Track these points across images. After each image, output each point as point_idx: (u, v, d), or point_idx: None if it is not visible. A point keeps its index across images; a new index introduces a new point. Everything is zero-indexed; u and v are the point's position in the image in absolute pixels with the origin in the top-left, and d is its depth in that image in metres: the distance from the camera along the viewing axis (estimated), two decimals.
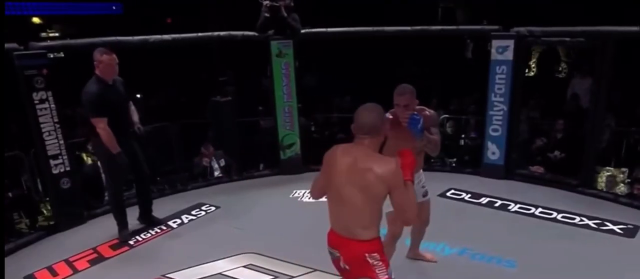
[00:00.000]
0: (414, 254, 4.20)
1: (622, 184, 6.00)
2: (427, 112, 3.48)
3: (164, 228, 5.03)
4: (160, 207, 5.37)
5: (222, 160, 6.45)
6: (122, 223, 4.84)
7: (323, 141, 7.53)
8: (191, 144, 6.84)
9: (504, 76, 5.99)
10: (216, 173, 6.41)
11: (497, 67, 6.02)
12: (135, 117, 4.85)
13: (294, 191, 5.88)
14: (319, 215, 5.17)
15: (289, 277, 4.08)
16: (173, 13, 11.99)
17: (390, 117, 3.30)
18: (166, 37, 5.78)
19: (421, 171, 3.70)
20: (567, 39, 6.13)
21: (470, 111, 7.80)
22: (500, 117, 6.06)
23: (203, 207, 5.51)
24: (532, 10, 9.01)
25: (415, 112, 3.29)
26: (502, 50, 5.98)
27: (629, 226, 4.75)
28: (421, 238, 4.10)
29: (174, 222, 5.16)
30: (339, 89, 9.23)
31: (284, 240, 4.68)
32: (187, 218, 5.28)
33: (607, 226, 4.79)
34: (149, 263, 4.39)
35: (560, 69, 10.10)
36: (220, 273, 4.16)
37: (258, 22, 6.20)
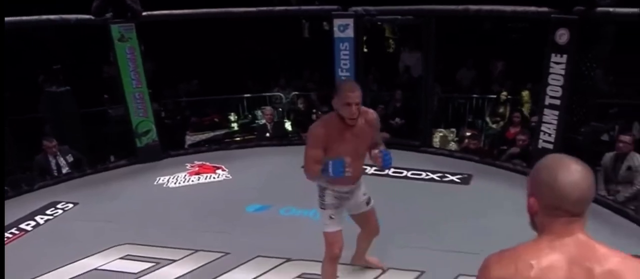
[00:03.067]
0: (363, 261, 3.80)
1: (452, 142, 6.94)
2: (372, 116, 3.08)
3: (16, 232, 4.54)
4: (6, 212, 4.81)
5: (70, 155, 5.92)
6: None
7: (176, 125, 7.37)
8: (22, 142, 6.13)
9: (347, 52, 6.46)
10: (64, 170, 5.87)
11: (341, 44, 6.47)
12: None
13: (158, 178, 5.70)
14: (189, 199, 5.19)
15: (171, 261, 4.02)
16: None
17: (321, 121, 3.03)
18: None
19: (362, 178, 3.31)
20: (399, 16, 6.85)
21: (314, 88, 8.25)
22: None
23: (58, 206, 5.06)
24: None
25: (386, 151, 3.02)
26: (343, 28, 6.44)
27: (464, 176, 5.56)
28: (368, 247, 3.66)
29: (27, 225, 4.69)
30: (183, 73, 9.02)
31: (157, 227, 4.56)
32: (41, 218, 4.82)
33: (447, 177, 5.55)
34: (8, 269, 3.92)
35: (388, 44, 11.12)
36: (95, 269, 3.95)
37: (93, 4, 5.81)
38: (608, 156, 5.10)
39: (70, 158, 5.92)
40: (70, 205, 5.10)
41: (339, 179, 2.96)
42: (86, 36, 6.83)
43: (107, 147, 6.63)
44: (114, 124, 6.66)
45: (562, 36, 4.93)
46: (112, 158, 6.54)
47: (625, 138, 4.99)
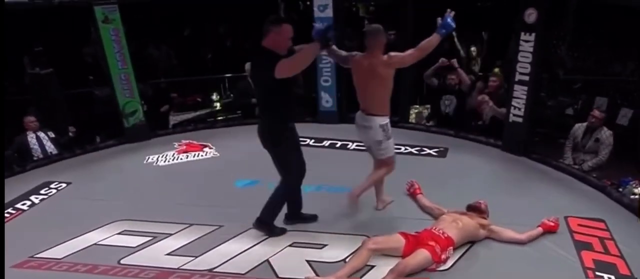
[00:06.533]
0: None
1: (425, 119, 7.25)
2: None
3: (13, 211, 4.68)
4: None
5: (50, 132, 5.99)
6: None
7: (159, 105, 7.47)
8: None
9: None
10: (46, 143, 5.93)
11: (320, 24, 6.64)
12: None
13: (147, 157, 5.87)
14: (179, 176, 5.38)
15: (167, 235, 4.19)
16: None
17: None
18: None
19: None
20: None
21: None
22: (329, 69, 6.77)
23: (52, 185, 5.20)
24: None
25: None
26: (322, 8, 6.65)
27: (441, 149, 5.89)
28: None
29: (23, 204, 4.83)
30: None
31: (151, 203, 4.73)
32: (36, 198, 4.96)
33: (425, 151, 5.86)
34: (9, 247, 4.04)
35: (364, 24, 11.28)
36: (95, 244, 4.10)
37: None
38: (579, 127, 5.52)
39: (51, 134, 6.00)
40: (64, 184, 5.24)
41: None
42: (63, 18, 6.83)
43: (94, 128, 6.71)
44: (101, 104, 6.72)
45: (531, 15, 5.22)
46: (97, 139, 6.63)
47: (598, 114, 5.43)
